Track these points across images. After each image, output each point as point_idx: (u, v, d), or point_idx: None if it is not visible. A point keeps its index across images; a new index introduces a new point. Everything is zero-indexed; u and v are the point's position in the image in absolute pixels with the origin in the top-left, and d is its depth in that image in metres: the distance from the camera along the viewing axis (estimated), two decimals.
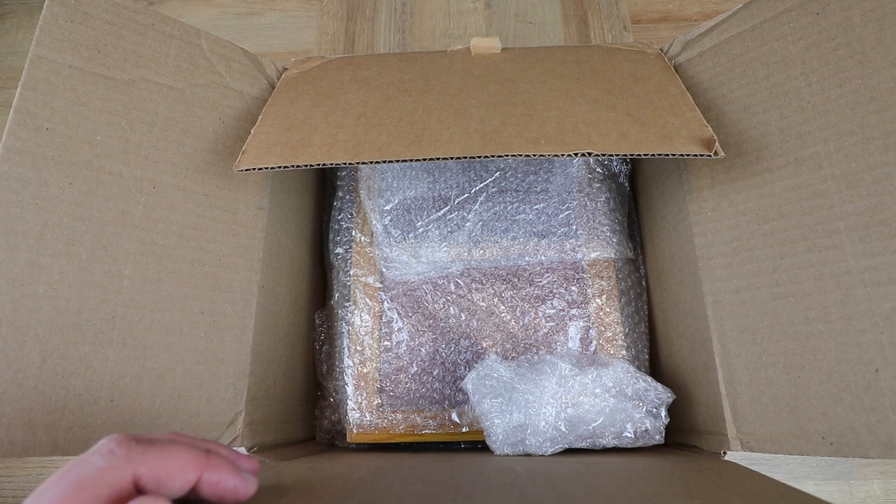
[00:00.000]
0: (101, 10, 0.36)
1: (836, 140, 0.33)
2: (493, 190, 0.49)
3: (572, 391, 0.38)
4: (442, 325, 0.47)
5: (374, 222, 0.48)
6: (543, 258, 0.47)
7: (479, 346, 0.46)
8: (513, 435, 0.38)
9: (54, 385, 0.31)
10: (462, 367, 0.46)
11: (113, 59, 0.36)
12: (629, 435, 0.39)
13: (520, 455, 0.38)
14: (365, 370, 0.46)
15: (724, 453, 0.36)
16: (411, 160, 0.33)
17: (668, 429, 0.45)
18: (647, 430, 0.39)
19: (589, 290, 0.47)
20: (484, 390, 0.39)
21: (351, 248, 0.49)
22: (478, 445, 0.45)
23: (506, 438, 0.38)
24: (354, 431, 0.45)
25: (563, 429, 0.38)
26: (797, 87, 0.35)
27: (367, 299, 0.47)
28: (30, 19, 0.71)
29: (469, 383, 0.41)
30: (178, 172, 0.37)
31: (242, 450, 0.38)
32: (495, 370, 0.40)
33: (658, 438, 0.39)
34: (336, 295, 0.49)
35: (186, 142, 0.38)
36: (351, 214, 0.50)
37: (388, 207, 0.49)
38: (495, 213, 0.48)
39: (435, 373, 0.46)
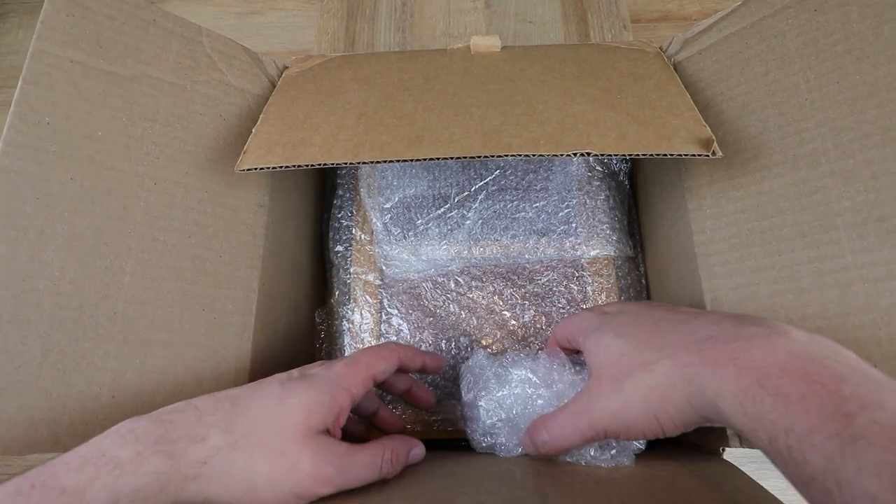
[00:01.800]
0: (103, 5, 0.36)
1: (834, 136, 0.33)
2: (493, 188, 0.49)
3: (559, 390, 0.37)
4: (442, 322, 0.47)
5: (374, 220, 0.49)
6: (543, 256, 0.47)
7: (479, 344, 0.46)
8: (491, 430, 0.37)
9: (55, 381, 0.31)
10: (462, 365, 0.46)
11: (114, 54, 0.36)
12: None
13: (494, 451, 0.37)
14: None
15: (723, 450, 0.36)
16: (411, 160, 0.33)
17: None
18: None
19: (589, 288, 0.47)
20: (468, 385, 0.39)
21: (351, 245, 0.49)
22: None
23: (484, 434, 0.37)
24: None
25: None
26: (795, 84, 0.35)
27: (368, 297, 0.47)
28: (30, 18, 0.72)
29: (461, 378, 0.40)
30: (179, 169, 0.37)
31: None
32: (479, 364, 0.39)
33: (638, 445, 0.35)
34: (336, 293, 0.49)
35: (188, 138, 0.38)
36: (351, 212, 0.50)
37: (388, 205, 0.49)
38: (495, 212, 0.48)
39: None
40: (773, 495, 0.28)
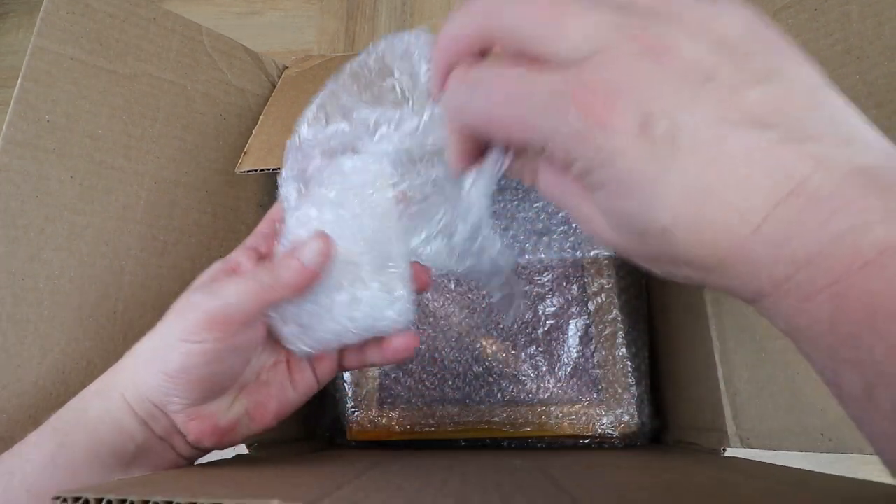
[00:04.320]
0: (103, 3, 0.36)
1: None
2: (493, 188, 0.49)
3: None
4: (441, 323, 0.47)
5: None
6: (543, 256, 0.47)
7: (479, 344, 0.46)
8: None
9: (55, 381, 0.31)
10: (461, 365, 0.46)
11: (115, 52, 0.36)
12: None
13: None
14: (364, 368, 0.46)
15: (724, 450, 0.36)
16: None
17: (667, 426, 0.45)
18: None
19: (589, 289, 0.47)
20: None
21: None
22: (478, 444, 0.46)
23: None
24: (354, 429, 0.45)
25: None
26: None
27: None
28: (30, 18, 0.71)
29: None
30: (179, 168, 0.37)
31: (242, 447, 0.38)
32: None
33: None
34: None
35: (188, 138, 0.38)
36: None
37: None
38: (495, 212, 0.48)
39: (434, 371, 0.46)
40: (782, 465, 0.28)
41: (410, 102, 0.25)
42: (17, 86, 0.32)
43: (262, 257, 0.29)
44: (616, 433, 0.42)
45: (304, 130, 0.26)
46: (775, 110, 0.15)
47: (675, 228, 0.16)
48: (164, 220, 0.36)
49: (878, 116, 0.31)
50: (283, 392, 0.28)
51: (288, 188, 0.27)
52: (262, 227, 0.30)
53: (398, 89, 0.25)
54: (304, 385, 0.29)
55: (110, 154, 0.35)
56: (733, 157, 0.15)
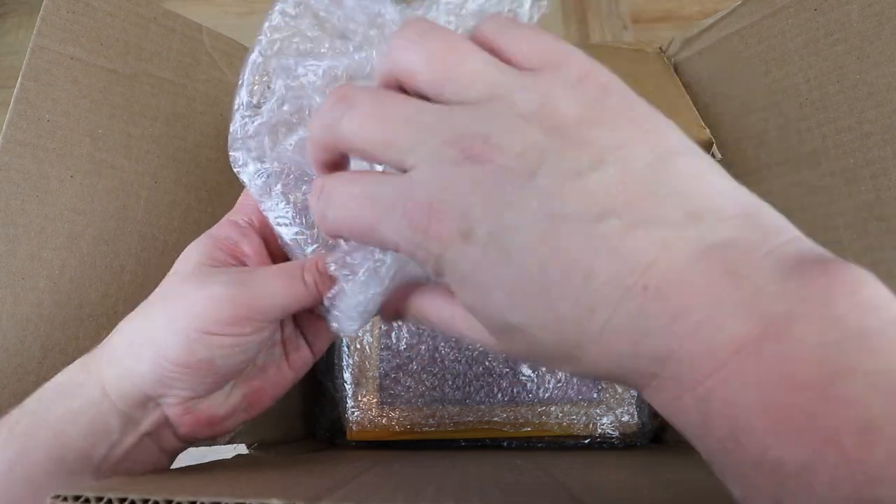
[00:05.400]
0: (103, 2, 0.36)
1: (835, 136, 0.33)
2: None
3: None
4: None
5: None
6: None
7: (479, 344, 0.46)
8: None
9: None
10: (461, 365, 0.46)
11: (115, 51, 0.36)
12: None
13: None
14: (364, 368, 0.46)
15: None
16: None
17: (667, 426, 0.45)
18: None
19: None
20: None
21: None
22: (478, 444, 0.46)
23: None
24: (354, 429, 0.44)
25: None
26: (796, 84, 0.35)
27: None
28: (30, 19, 0.71)
29: None
30: (179, 168, 0.37)
31: (242, 447, 0.38)
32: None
33: None
34: None
35: (188, 137, 0.38)
36: None
37: None
38: None
39: (435, 371, 0.46)
40: None
41: (357, 44, 0.22)
42: (17, 85, 0.32)
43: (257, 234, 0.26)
44: (616, 433, 0.42)
45: (248, 103, 0.24)
46: (613, 196, 0.14)
47: (528, 327, 0.16)
48: (164, 219, 0.36)
49: (878, 116, 0.32)
50: (279, 373, 0.27)
51: (255, 181, 0.25)
52: (239, 206, 0.27)
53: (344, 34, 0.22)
54: (300, 362, 0.28)
55: (110, 153, 0.35)
56: (571, 250, 0.14)
